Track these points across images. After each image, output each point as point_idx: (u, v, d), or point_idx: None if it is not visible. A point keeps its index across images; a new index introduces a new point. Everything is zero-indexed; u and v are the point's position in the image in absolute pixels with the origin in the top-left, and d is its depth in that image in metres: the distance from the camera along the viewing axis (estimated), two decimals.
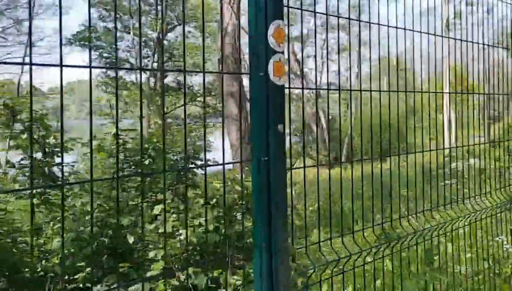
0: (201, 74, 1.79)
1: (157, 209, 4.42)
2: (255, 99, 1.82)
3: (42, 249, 4.43)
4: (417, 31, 2.72)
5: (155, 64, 23.36)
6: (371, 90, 2.35)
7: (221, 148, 1.90)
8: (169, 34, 23.72)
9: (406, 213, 2.61)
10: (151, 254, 4.00)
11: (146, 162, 5.15)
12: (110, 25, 22.67)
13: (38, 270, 4.21)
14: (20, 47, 21.98)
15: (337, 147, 17.44)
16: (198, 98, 22.04)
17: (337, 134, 22.19)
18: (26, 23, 21.54)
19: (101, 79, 22.93)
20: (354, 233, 2.26)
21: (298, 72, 22.73)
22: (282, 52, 1.80)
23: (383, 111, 2.37)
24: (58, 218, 4.53)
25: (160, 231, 4.21)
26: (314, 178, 2.35)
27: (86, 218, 4.43)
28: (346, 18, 2.26)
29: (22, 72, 21.47)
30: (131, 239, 4.23)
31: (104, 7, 21.98)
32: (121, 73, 22.69)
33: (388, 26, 2.41)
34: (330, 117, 24.75)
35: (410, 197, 2.65)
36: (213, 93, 22.06)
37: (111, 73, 23.22)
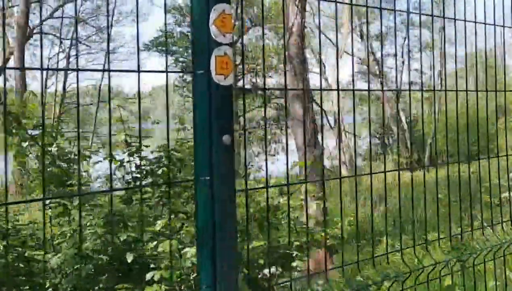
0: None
1: (159, 224, 4.04)
2: (196, 103, 1.48)
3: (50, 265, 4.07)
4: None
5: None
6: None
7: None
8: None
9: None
10: (148, 276, 3.64)
11: (160, 171, 4.66)
12: (186, 29, 23.57)
13: (47, 286, 4.01)
14: (103, 54, 23.47)
15: (419, 149, 16.86)
16: (273, 100, 22.27)
17: (419, 135, 21.41)
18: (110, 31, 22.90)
19: (178, 84, 23.88)
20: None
21: (377, 72, 22.25)
22: (229, 45, 1.46)
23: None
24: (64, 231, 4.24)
25: (159, 249, 3.78)
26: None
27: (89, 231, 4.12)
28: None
29: (103, 78, 22.91)
30: (130, 258, 3.87)
31: (179, 12, 22.91)
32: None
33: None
34: (407, 119, 23.96)
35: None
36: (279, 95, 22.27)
37: (188, 77, 24.14)
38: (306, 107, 8.44)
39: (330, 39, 23.23)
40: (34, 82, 22.69)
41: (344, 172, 21.70)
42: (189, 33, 23.57)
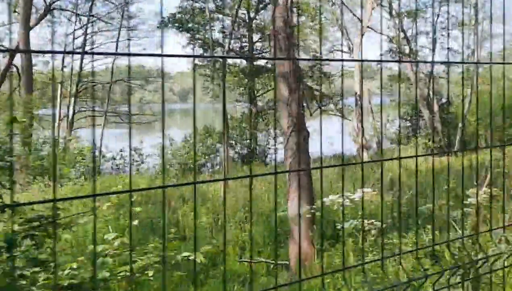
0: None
1: None
2: None
3: None
4: None
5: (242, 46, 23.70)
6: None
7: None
8: (262, 12, 23.95)
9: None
10: None
11: None
12: (203, 5, 23.36)
13: None
14: (123, 31, 23.51)
15: (450, 133, 16.57)
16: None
17: (452, 118, 21.02)
18: (129, 8, 22.87)
19: (200, 63, 23.82)
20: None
21: (407, 51, 21.78)
22: None
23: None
24: None
25: None
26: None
27: None
28: None
29: (115, 58, 22.98)
30: None
31: None
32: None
33: None
34: (444, 100, 23.54)
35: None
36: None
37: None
38: (292, 87, 7.87)
39: (354, 14, 22.80)
40: (53, 61, 22.89)
41: (364, 155, 21.42)
42: (205, 9, 23.36)
